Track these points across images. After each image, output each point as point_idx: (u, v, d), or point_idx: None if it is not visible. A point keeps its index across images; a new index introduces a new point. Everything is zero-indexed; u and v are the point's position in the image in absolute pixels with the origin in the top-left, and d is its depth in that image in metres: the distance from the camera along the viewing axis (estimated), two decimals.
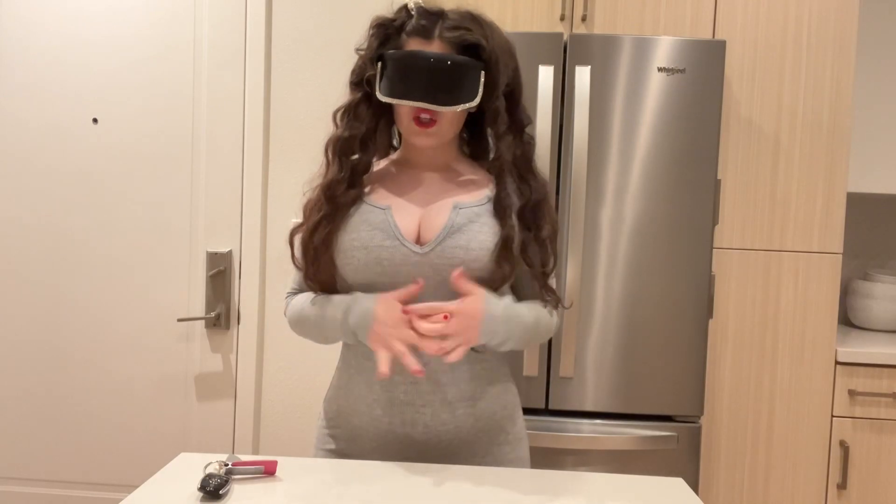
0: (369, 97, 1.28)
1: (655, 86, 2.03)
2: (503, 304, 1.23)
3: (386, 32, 1.27)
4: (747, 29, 2.19)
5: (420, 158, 1.33)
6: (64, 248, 2.30)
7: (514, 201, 1.27)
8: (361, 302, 1.22)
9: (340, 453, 1.32)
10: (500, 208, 1.27)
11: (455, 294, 1.21)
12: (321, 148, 1.32)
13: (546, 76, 2.01)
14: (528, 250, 1.26)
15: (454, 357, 1.17)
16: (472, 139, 1.38)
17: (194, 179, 2.27)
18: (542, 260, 1.29)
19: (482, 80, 1.23)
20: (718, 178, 2.11)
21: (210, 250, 2.26)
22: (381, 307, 1.20)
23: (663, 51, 2.03)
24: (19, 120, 2.30)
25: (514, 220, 1.26)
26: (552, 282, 1.33)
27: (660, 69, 2.03)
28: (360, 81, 1.28)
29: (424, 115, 1.24)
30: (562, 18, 2.21)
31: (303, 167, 2.21)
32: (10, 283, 2.32)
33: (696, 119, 2.03)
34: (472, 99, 1.23)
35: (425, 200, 1.29)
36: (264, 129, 2.24)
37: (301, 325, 1.33)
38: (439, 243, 1.23)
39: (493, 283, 1.25)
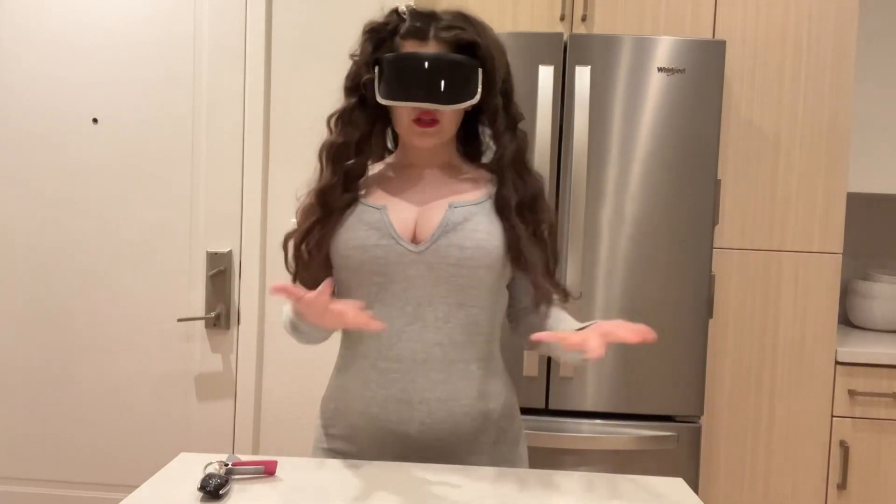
0: (363, 102, 1.29)
1: (655, 86, 2.03)
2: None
3: (379, 37, 1.27)
4: (747, 29, 2.19)
5: (418, 160, 1.33)
6: (64, 247, 2.30)
7: (512, 198, 1.28)
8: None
9: (338, 452, 1.32)
10: (502, 206, 1.28)
11: (448, 291, 1.24)
12: (316, 157, 1.33)
13: (546, 76, 2.01)
14: (527, 246, 1.27)
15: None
16: (466, 139, 1.39)
17: (194, 179, 2.27)
18: (544, 255, 1.29)
19: (480, 77, 1.24)
20: (718, 178, 2.11)
21: (210, 250, 2.26)
22: (304, 309, 1.16)
23: (663, 51, 2.03)
24: (19, 120, 2.30)
25: (514, 216, 1.27)
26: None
27: (660, 69, 2.03)
28: (355, 87, 1.29)
29: (425, 116, 1.24)
30: (562, 18, 2.21)
31: (303, 167, 2.19)
32: (10, 283, 2.32)
33: (696, 119, 2.03)
34: (473, 96, 1.24)
35: (421, 199, 1.29)
36: (264, 129, 2.24)
37: (289, 331, 1.36)
38: (434, 242, 1.24)
39: (493, 280, 1.25)
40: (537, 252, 1.28)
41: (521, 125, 1.33)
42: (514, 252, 1.26)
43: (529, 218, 1.28)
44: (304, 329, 1.27)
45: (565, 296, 1.34)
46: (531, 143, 1.55)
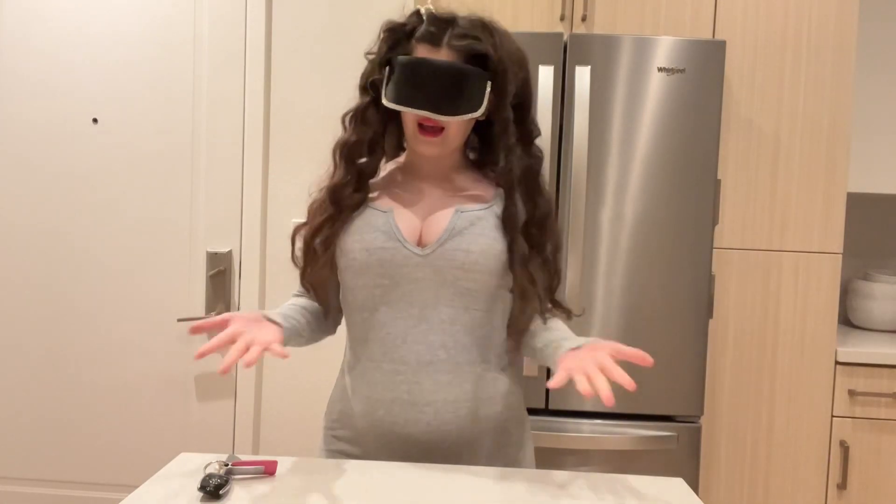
0: (377, 101, 1.28)
1: (655, 86, 2.03)
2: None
3: (396, 37, 1.26)
4: (747, 29, 2.19)
5: (424, 165, 1.33)
6: (64, 248, 2.30)
7: (520, 216, 1.27)
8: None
9: (344, 454, 1.32)
10: (508, 223, 1.26)
11: (454, 294, 1.24)
12: (322, 148, 1.33)
13: (546, 76, 2.01)
14: (531, 266, 1.26)
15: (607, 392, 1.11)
16: (483, 146, 1.37)
17: (194, 179, 2.27)
18: (547, 276, 1.28)
19: (488, 89, 1.22)
20: (718, 178, 2.11)
21: (210, 250, 2.26)
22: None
23: (663, 51, 2.03)
24: (19, 120, 2.30)
25: (520, 235, 1.26)
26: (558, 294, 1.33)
27: (660, 69, 2.03)
28: (368, 86, 1.28)
29: (429, 124, 1.23)
30: (562, 18, 2.21)
31: (303, 167, 2.21)
32: (10, 284, 2.32)
33: (696, 119, 2.03)
34: (477, 109, 1.22)
35: (428, 204, 1.29)
36: (264, 129, 2.24)
37: None
38: (440, 245, 1.24)
39: (497, 283, 1.25)
40: (537, 272, 1.27)
41: (537, 142, 1.31)
42: (513, 265, 1.25)
43: (536, 239, 1.27)
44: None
45: (568, 314, 1.34)
46: None
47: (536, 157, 1.31)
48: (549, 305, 1.31)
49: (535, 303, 1.28)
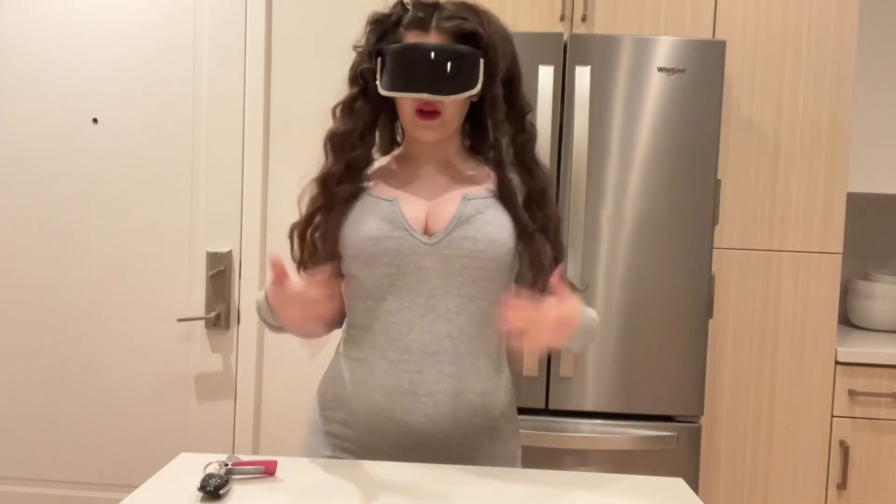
0: (366, 92, 1.29)
1: (655, 86, 2.03)
2: (585, 310, 1.26)
3: (383, 28, 1.28)
4: (747, 29, 2.19)
5: (422, 152, 1.33)
6: (64, 248, 2.30)
7: (519, 191, 1.28)
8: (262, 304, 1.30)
9: (335, 435, 1.32)
10: (505, 198, 1.28)
11: (461, 283, 1.24)
12: (321, 147, 1.33)
13: (546, 76, 2.01)
14: (535, 240, 1.27)
15: (533, 354, 1.15)
16: (474, 131, 1.39)
17: (194, 179, 2.27)
18: (552, 249, 1.29)
19: (482, 67, 1.23)
20: (718, 178, 2.11)
21: (210, 250, 2.26)
22: (273, 301, 1.23)
23: (663, 51, 2.03)
24: (19, 120, 2.30)
25: (522, 210, 1.27)
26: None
27: (660, 69, 2.03)
28: (357, 77, 1.29)
29: (427, 108, 1.24)
30: (562, 18, 2.21)
31: (303, 167, 2.19)
32: (10, 284, 2.32)
33: (696, 119, 2.03)
34: (474, 86, 1.23)
35: (431, 192, 1.30)
36: (264, 129, 2.24)
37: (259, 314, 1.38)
38: (448, 234, 1.24)
39: (503, 273, 1.26)
40: (541, 246, 1.28)
41: (528, 117, 1.33)
42: (524, 242, 1.26)
43: (536, 212, 1.28)
44: (270, 321, 1.31)
45: (572, 289, 1.34)
46: None
47: (530, 132, 1.33)
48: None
49: (543, 273, 1.29)
